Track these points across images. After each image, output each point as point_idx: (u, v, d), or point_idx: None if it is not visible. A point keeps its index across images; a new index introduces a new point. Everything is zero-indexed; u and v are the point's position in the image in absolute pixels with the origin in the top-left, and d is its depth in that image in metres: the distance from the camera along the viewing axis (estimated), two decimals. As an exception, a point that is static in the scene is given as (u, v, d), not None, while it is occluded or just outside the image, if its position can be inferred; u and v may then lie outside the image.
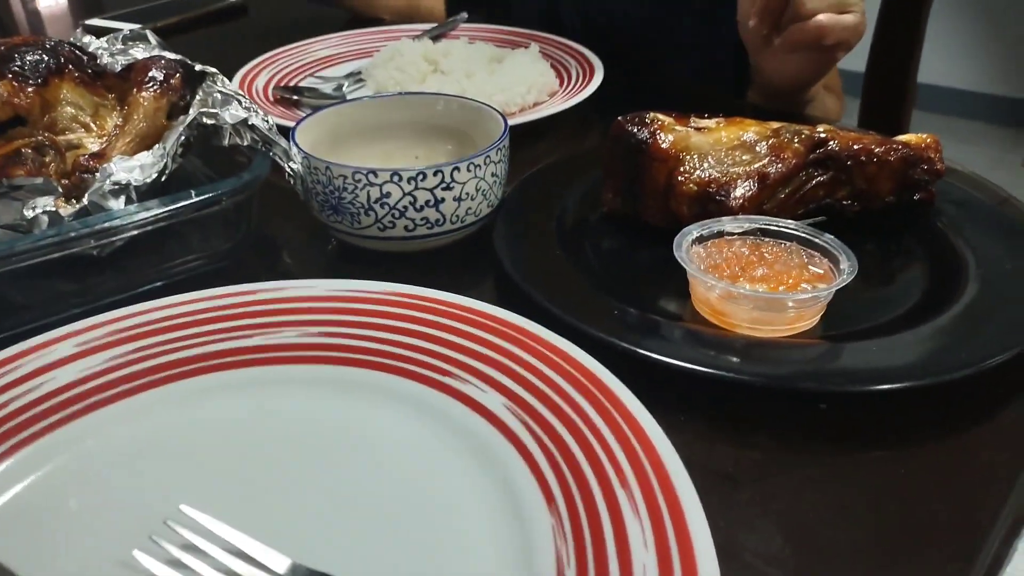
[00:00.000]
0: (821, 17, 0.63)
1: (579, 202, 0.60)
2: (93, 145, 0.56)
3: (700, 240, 0.50)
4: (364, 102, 0.62)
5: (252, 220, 0.54)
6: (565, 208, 0.59)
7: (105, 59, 0.64)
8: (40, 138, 0.54)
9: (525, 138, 0.71)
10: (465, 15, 1.00)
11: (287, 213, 0.61)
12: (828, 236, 0.49)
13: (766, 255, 0.49)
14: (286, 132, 0.55)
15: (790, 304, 0.45)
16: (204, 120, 0.51)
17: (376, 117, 0.63)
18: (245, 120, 0.52)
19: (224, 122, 0.51)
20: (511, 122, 0.69)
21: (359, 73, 0.87)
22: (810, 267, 0.48)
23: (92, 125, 0.57)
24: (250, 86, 0.81)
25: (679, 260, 0.47)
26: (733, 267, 0.48)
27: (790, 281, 0.47)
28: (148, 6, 1.21)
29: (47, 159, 0.54)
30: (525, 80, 0.78)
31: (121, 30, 1.09)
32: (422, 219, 0.52)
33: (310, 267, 0.58)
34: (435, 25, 0.98)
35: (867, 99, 1.16)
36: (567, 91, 0.80)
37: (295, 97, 0.79)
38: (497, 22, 0.98)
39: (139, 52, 0.65)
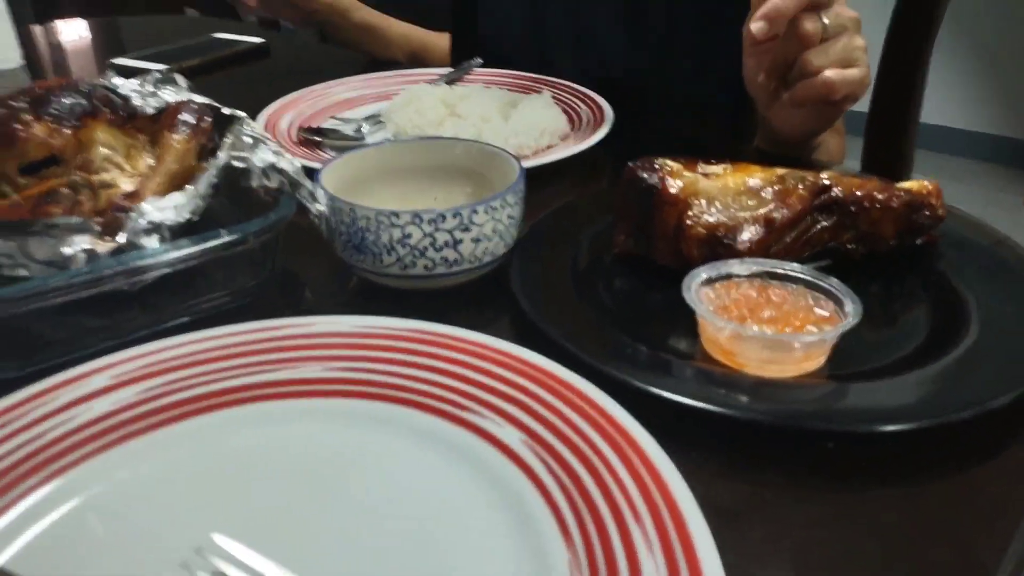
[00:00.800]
0: (828, 73, 0.65)
1: (592, 243, 0.62)
2: (126, 184, 0.58)
3: (709, 282, 0.52)
4: (386, 146, 0.65)
5: (277, 259, 0.56)
6: (578, 249, 0.61)
7: (136, 101, 0.67)
8: (75, 178, 0.56)
9: (538, 180, 0.73)
10: (479, 60, 1.04)
11: (310, 251, 0.63)
12: (833, 280, 0.51)
13: (773, 297, 0.51)
14: (310, 172, 0.58)
15: (797, 345, 0.47)
16: (234, 163, 0.54)
17: (397, 160, 0.65)
18: (273, 164, 0.54)
19: (254, 165, 0.54)
20: (525, 165, 0.71)
21: (378, 116, 0.90)
22: (816, 309, 0.50)
23: (125, 165, 0.59)
24: (274, 127, 0.84)
25: (688, 302, 0.49)
26: (741, 308, 0.50)
27: (797, 323, 0.48)
28: (172, 48, 1.25)
29: (81, 197, 0.56)
30: (538, 125, 0.80)
31: (148, 70, 1.14)
32: (441, 259, 0.54)
33: (332, 304, 0.59)
34: (451, 70, 1.01)
35: (870, 139, 1.19)
36: (578, 134, 0.83)
37: (317, 139, 0.82)
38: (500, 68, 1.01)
39: (169, 95, 0.67)
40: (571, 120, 0.86)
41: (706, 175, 0.59)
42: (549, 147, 0.81)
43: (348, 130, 0.87)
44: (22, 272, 0.52)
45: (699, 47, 0.92)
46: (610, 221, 0.63)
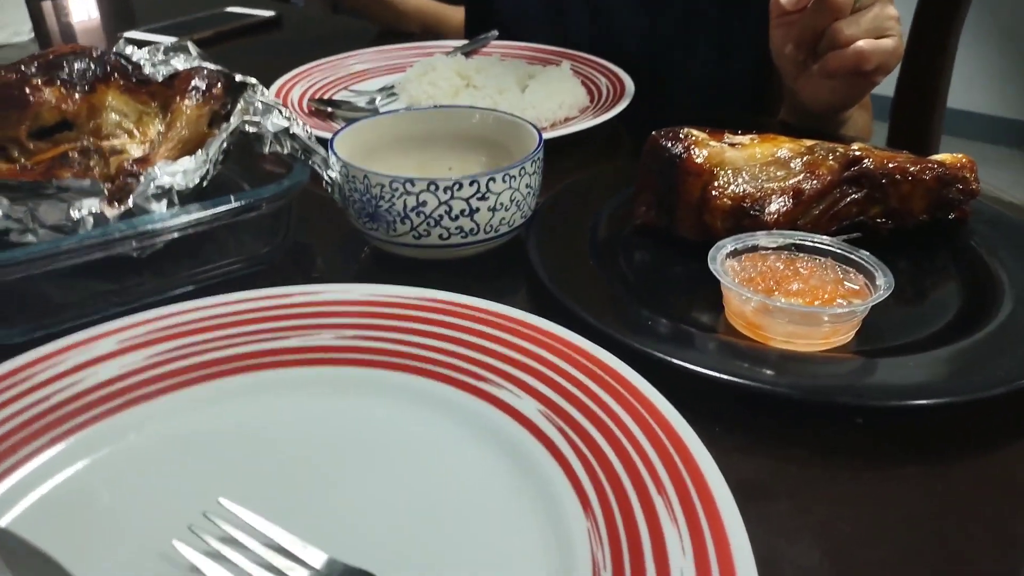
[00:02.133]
0: (861, 43, 0.63)
1: (611, 215, 0.61)
2: (136, 150, 0.57)
3: (734, 254, 0.51)
4: (400, 114, 0.63)
5: (291, 226, 0.54)
6: (598, 220, 0.60)
7: (148, 68, 0.65)
8: (86, 143, 0.55)
9: (556, 153, 0.71)
10: (495, 32, 1.02)
11: (323, 220, 0.62)
12: (864, 252, 0.49)
13: (801, 270, 0.49)
14: (323, 142, 0.56)
15: (826, 318, 0.45)
16: (247, 128, 0.52)
17: (412, 129, 0.63)
18: (286, 129, 0.53)
19: (266, 130, 0.52)
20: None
21: (392, 87, 0.88)
22: (845, 283, 0.48)
23: (136, 131, 0.58)
24: (286, 97, 0.82)
25: (714, 272, 0.48)
26: (768, 281, 0.48)
27: (825, 296, 0.47)
28: (183, 19, 1.24)
29: (92, 163, 0.55)
30: (556, 96, 0.78)
31: (160, 42, 1.13)
32: (457, 228, 0.53)
33: (345, 272, 0.58)
34: (467, 42, 0.99)
35: (896, 124, 1.16)
36: (597, 107, 0.81)
37: (330, 109, 0.81)
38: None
39: (180, 63, 0.66)
40: (590, 92, 0.84)
41: (732, 145, 0.57)
42: (567, 119, 0.79)
43: (361, 102, 0.85)
44: (30, 238, 0.51)
45: (719, 22, 0.90)
46: (630, 192, 0.62)
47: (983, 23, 2.83)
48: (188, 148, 0.56)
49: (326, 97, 0.86)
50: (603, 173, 0.67)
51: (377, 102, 0.85)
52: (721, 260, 0.49)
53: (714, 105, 0.93)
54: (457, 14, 1.20)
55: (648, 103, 0.82)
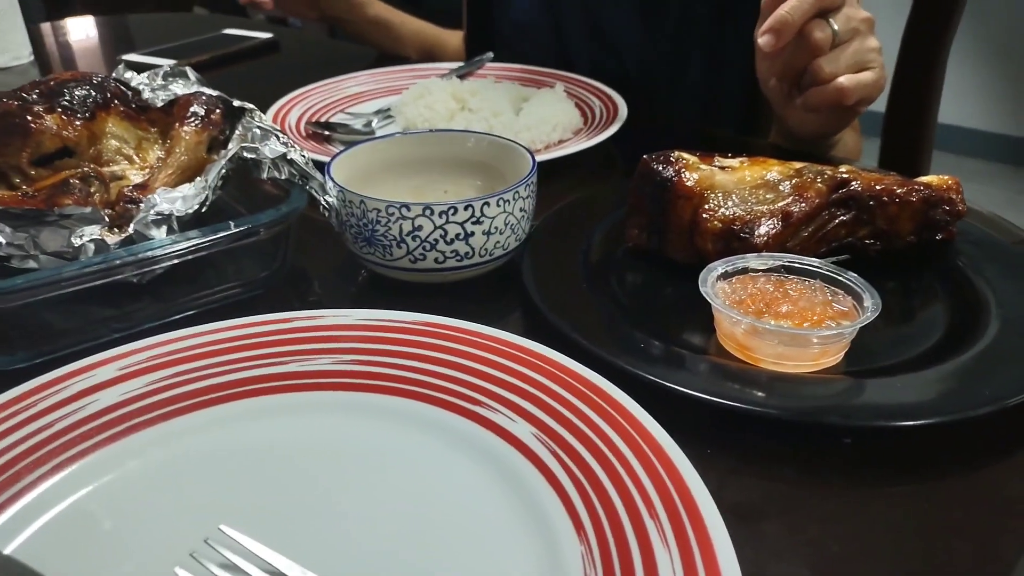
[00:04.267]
0: (841, 80, 0.64)
1: (604, 237, 0.62)
2: (136, 176, 0.58)
3: (725, 276, 0.51)
4: (396, 138, 0.64)
5: (288, 251, 0.55)
6: (590, 243, 0.61)
7: (147, 94, 0.66)
8: (86, 169, 0.56)
9: (550, 174, 0.72)
10: (491, 54, 1.03)
11: (320, 243, 0.63)
12: (851, 274, 0.50)
13: (790, 292, 0.50)
14: (320, 166, 0.57)
15: (815, 340, 0.46)
16: (245, 154, 0.53)
17: (407, 153, 0.64)
18: (284, 155, 0.54)
19: (264, 157, 0.53)
20: (537, 159, 0.71)
21: (388, 110, 0.89)
22: (834, 304, 0.49)
23: (135, 157, 0.59)
24: (283, 121, 0.83)
25: (705, 295, 0.48)
26: (758, 303, 0.49)
27: (814, 318, 0.48)
28: (181, 43, 1.25)
29: (93, 189, 0.56)
30: (551, 119, 0.80)
31: (159, 66, 1.14)
32: (452, 252, 0.54)
33: (342, 296, 0.59)
34: (462, 64, 1.01)
35: (887, 139, 1.18)
36: (591, 129, 0.82)
37: (326, 132, 0.82)
38: (515, 63, 1.01)
39: (179, 88, 0.67)
40: (584, 114, 0.85)
41: (723, 168, 0.58)
42: (561, 142, 0.80)
43: (358, 124, 0.86)
44: (31, 264, 0.51)
45: (713, 40, 0.92)
46: (622, 214, 0.62)
47: (974, 37, 2.86)
48: (187, 174, 0.57)
49: (323, 120, 0.87)
50: (596, 195, 0.69)
51: (373, 124, 0.87)
52: (712, 283, 0.50)
53: (708, 120, 0.94)
54: (454, 38, 1.21)
55: (643, 120, 0.83)
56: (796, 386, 0.45)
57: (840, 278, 0.50)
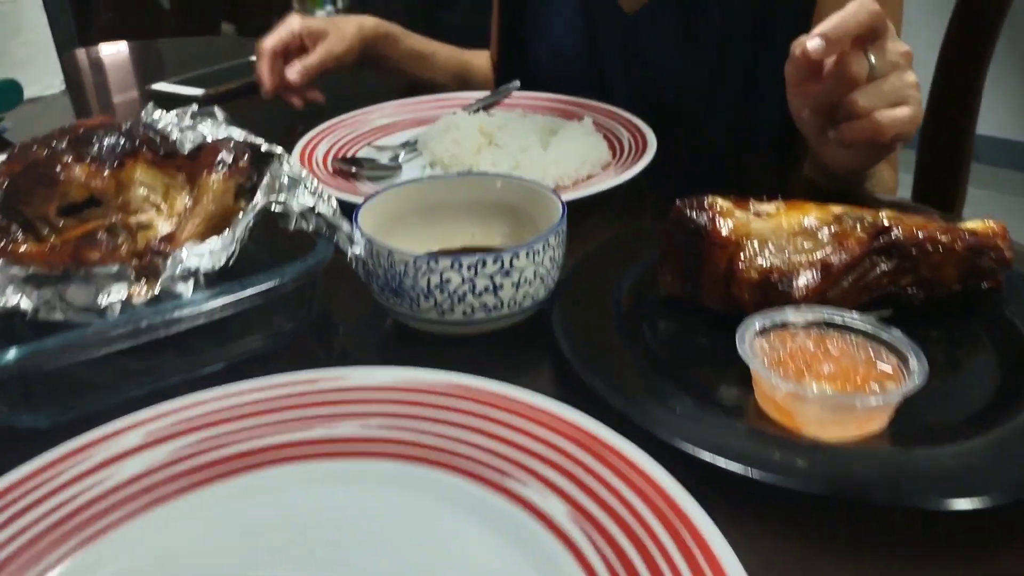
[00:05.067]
0: (877, 116, 0.62)
1: (636, 284, 0.60)
2: (164, 225, 0.58)
3: (763, 331, 0.50)
4: (424, 183, 0.63)
5: (314, 303, 0.54)
6: (622, 290, 0.59)
7: (175, 134, 0.66)
8: (114, 219, 0.56)
9: (578, 211, 0.71)
10: (517, 83, 1.02)
11: (345, 288, 0.62)
12: (896, 331, 0.48)
13: (832, 350, 0.48)
14: (347, 208, 0.56)
15: (860, 407, 0.44)
16: (273, 208, 0.53)
17: (435, 197, 0.63)
18: (311, 207, 0.53)
19: (291, 209, 0.53)
20: (566, 197, 0.69)
21: (415, 143, 0.89)
22: (878, 364, 0.47)
23: (163, 205, 0.59)
24: (310, 157, 0.83)
25: (743, 356, 0.47)
26: (798, 361, 0.47)
27: (858, 380, 0.46)
28: (209, 71, 1.25)
29: (120, 240, 0.55)
30: (579, 154, 0.78)
31: (186, 98, 1.14)
32: (480, 304, 0.52)
33: (368, 346, 0.58)
34: (488, 94, 1.00)
35: (924, 152, 1.14)
36: (620, 163, 0.80)
37: (353, 169, 0.81)
38: (548, 89, 1.00)
39: (207, 129, 0.67)
40: (612, 147, 0.84)
41: (758, 215, 0.56)
42: (590, 177, 0.79)
43: (384, 159, 0.86)
44: (57, 315, 0.51)
45: (749, 64, 0.90)
46: (655, 259, 0.61)
47: (1012, 46, 2.80)
48: (214, 222, 0.57)
49: (349, 155, 0.86)
50: (625, 238, 0.67)
51: (401, 159, 0.86)
52: (749, 340, 0.48)
53: (742, 147, 0.93)
54: (481, 59, 1.21)
55: (677, 147, 0.81)
56: (840, 458, 0.43)
57: (884, 336, 0.48)
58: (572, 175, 0.77)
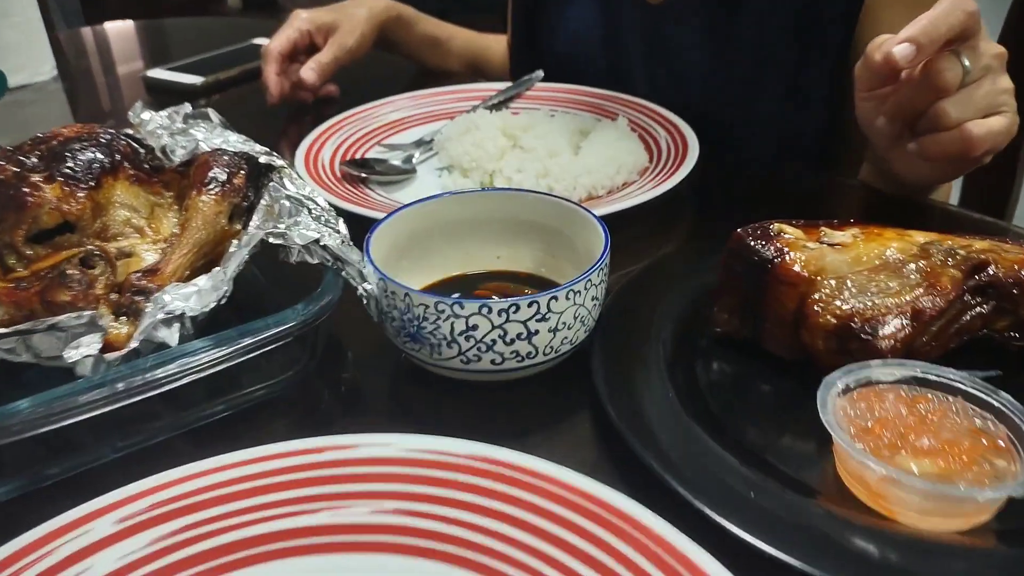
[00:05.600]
0: (969, 127, 0.53)
1: (684, 319, 0.53)
2: (148, 252, 0.51)
3: (845, 390, 0.42)
4: (445, 199, 0.56)
5: (318, 346, 0.47)
6: (668, 326, 0.52)
7: (165, 139, 0.59)
8: (90, 247, 0.49)
9: (611, 224, 0.64)
10: (540, 73, 0.94)
11: (354, 319, 0.54)
12: (1004, 395, 0.41)
13: (929, 415, 0.41)
14: (355, 220, 0.49)
15: (979, 499, 0.37)
16: (270, 240, 0.45)
17: (457, 214, 0.56)
18: (316, 240, 0.45)
19: (293, 242, 0.45)
20: (602, 211, 0.62)
21: (430, 141, 0.81)
22: (984, 435, 0.40)
23: (147, 229, 0.52)
24: (316, 159, 0.75)
25: (827, 425, 0.40)
26: (890, 432, 0.40)
27: (964, 457, 0.38)
28: (209, 56, 1.17)
29: (97, 271, 0.48)
30: (614, 160, 0.70)
31: (182, 83, 1.06)
32: (512, 353, 0.45)
33: (379, 391, 0.51)
34: (509, 86, 0.92)
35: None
36: (658, 169, 0.73)
37: (363, 174, 0.74)
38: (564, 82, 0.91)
39: (200, 133, 0.60)
40: (648, 149, 0.76)
41: (832, 245, 0.49)
42: (625, 185, 0.71)
43: (396, 160, 0.78)
44: (25, 358, 0.44)
45: (793, 67, 0.81)
46: (701, 287, 0.54)
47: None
48: (205, 250, 0.50)
49: (358, 156, 0.79)
50: (668, 261, 0.59)
51: (415, 159, 0.78)
52: (833, 406, 0.41)
53: (782, 154, 0.84)
54: (500, 45, 1.12)
55: (711, 155, 0.73)
56: (948, 560, 0.36)
57: (990, 399, 0.41)
58: (607, 183, 0.70)
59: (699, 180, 0.70)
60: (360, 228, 0.51)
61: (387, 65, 1.14)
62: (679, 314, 0.53)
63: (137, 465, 0.40)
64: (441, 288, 0.56)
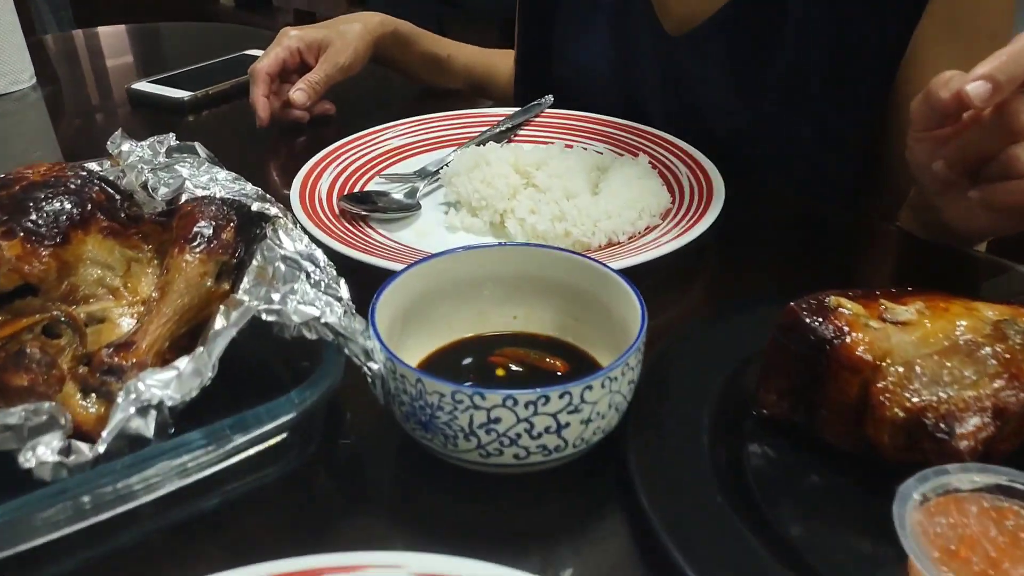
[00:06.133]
0: None
1: (724, 397, 0.47)
2: (123, 318, 0.45)
3: (921, 500, 0.37)
4: (459, 255, 0.50)
5: (315, 434, 0.42)
6: (707, 408, 0.46)
7: (145, 174, 0.53)
8: (55, 313, 0.43)
9: (631, 274, 0.58)
10: (550, 99, 0.89)
11: (355, 393, 0.48)
12: (1108, 512, 0.35)
13: (1020, 533, 0.36)
14: (356, 268, 0.44)
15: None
16: (263, 316, 0.39)
17: (472, 271, 0.50)
18: (316, 318, 0.40)
19: (289, 319, 0.40)
20: (623, 264, 0.57)
21: (434, 172, 0.75)
22: (1087, 561, 0.35)
23: (122, 289, 0.46)
24: (311, 194, 0.69)
25: (909, 552, 0.34)
26: (980, 555, 0.35)
27: (1068, 592, 0.33)
28: (197, 67, 1.11)
29: (62, 341, 0.42)
30: (636, 202, 0.65)
31: (168, 97, 1.00)
32: (538, 447, 0.40)
33: (382, 479, 0.45)
34: (517, 111, 0.86)
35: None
36: (681, 211, 0.67)
37: (363, 212, 0.68)
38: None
39: (185, 169, 0.54)
40: (671, 189, 0.70)
41: (896, 323, 0.43)
42: (647, 230, 0.65)
43: (399, 193, 0.72)
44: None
45: (824, 110, 0.75)
46: (740, 359, 0.49)
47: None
48: (187, 317, 0.44)
49: (358, 189, 0.73)
50: (702, 330, 0.54)
51: (419, 194, 0.72)
52: (912, 522, 0.36)
53: (808, 196, 0.78)
54: (505, 63, 1.07)
55: (734, 196, 0.68)
56: None
57: (1091, 517, 0.36)
58: (628, 228, 0.64)
59: (721, 222, 0.65)
60: (361, 275, 0.45)
61: (384, 80, 1.08)
62: (719, 392, 0.47)
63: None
64: (452, 353, 0.50)
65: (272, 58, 0.89)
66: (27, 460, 0.34)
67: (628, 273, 0.47)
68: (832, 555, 0.39)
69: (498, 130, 0.83)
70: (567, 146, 0.75)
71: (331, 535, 0.40)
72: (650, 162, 0.72)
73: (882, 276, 0.68)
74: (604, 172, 0.70)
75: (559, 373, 0.48)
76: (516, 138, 0.83)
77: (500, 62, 1.07)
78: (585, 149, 0.76)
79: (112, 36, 1.41)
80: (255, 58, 1.03)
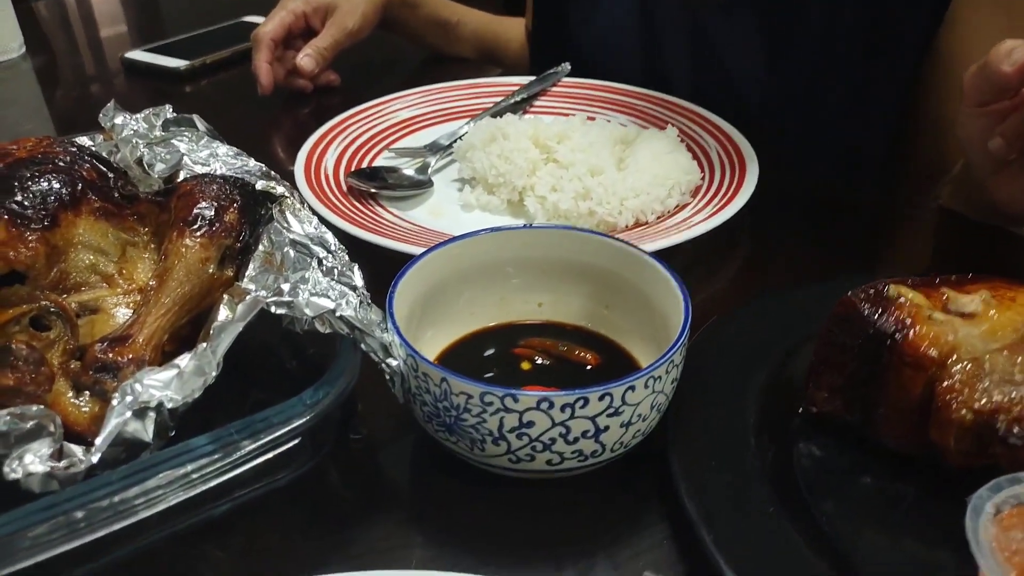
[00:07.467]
0: None
1: (770, 392, 0.44)
2: (118, 308, 0.41)
3: (995, 513, 0.34)
4: (480, 237, 0.46)
5: (330, 441, 0.38)
6: (753, 403, 0.43)
7: (141, 149, 0.49)
8: (43, 303, 0.39)
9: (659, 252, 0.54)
10: (567, 67, 0.84)
11: (373, 387, 0.45)
12: None
13: (1106, 552, 0.32)
14: (368, 249, 0.40)
15: None
16: (273, 309, 0.36)
17: (494, 255, 0.47)
18: (331, 311, 0.36)
19: (301, 312, 0.36)
20: (655, 246, 0.53)
21: (447, 146, 0.71)
22: None
23: (117, 276, 0.42)
24: (317, 169, 0.65)
25: (983, 568, 0.31)
26: (1063, 576, 0.31)
27: None
28: (193, 35, 1.06)
29: (52, 334, 0.39)
30: (665, 178, 0.61)
31: (164, 66, 0.95)
32: (574, 452, 0.36)
33: (402, 480, 0.42)
34: (533, 80, 0.82)
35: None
36: (712, 189, 0.63)
37: (372, 189, 0.64)
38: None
39: (183, 143, 0.50)
40: (700, 165, 0.66)
41: (961, 315, 0.40)
42: (678, 208, 0.62)
43: (409, 169, 0.68)
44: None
45: (857, 81, 0.71)
46: (787, 351, 0.45)
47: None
48: (188, 307, 0.40)
49: (366, 165, 0.69)
50: (740, 319, 0.50)
51: (430, 170, 0.68)
52: (984, 531, 0.32)
53: (841, 171, 0.74)
54: (516, 30, 1.02)
55: (764, 169, 0.64)
56: None
57: None
58: (658, 207, 0.60)
59: (753, 197, 0.61)
60: (374, 259, 0.42)
61: (391, 48, 1.03)
62: (764, 386, 0.44)
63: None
64: (474, 343, 0.47)
65: (277, 22, 0.85)
66: (13, 471, 0.31)
67: (658, 255, 0.43)
68: (896, 569, 0.35)
69: (514, 100, 0.79)
70: (589, 118, 0.71)
71: (345, 545, 0.37)
72: (678, 135, 0.68)
73: (926, 259, 0.64)
74: (629, 146, 0.66)
75: (589, 367, 0.45)
76: (533, 109, 0.79)
77: (510, 28, 1.03)
78: (608, 121, 0.71)
79: (106, 2, 1.35)
80: (255, 25, 0.98)
